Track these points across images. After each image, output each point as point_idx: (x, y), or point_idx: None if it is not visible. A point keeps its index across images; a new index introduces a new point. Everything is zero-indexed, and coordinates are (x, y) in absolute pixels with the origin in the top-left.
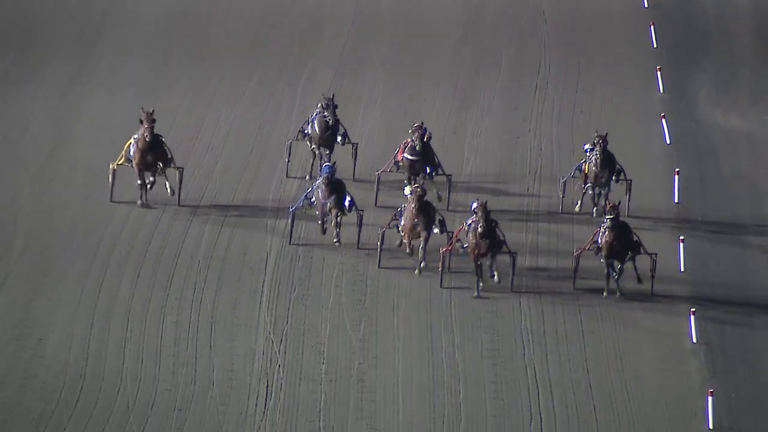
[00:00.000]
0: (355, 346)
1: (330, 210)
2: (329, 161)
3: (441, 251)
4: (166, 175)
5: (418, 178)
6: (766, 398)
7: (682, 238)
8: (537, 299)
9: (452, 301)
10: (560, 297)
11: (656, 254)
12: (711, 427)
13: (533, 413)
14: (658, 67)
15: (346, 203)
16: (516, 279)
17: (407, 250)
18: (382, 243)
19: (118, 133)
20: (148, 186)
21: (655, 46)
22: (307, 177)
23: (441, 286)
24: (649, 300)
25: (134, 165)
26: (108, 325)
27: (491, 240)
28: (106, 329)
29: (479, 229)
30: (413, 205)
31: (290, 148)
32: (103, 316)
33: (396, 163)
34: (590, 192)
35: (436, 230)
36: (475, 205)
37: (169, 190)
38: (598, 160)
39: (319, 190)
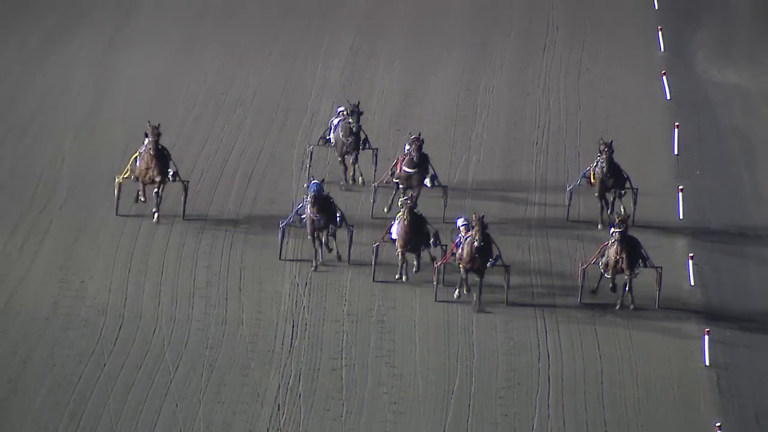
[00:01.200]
0: (375, 290)
1: (320, 228)
2: (316, 179)
3: (435, 264)
4: (161, 191)
5: (413, 191)
6: None
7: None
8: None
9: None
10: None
11: (661, 267)
12: None
13: (541, 348)
14: (659, 27)
15: (337, 219)
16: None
17: (402, 264)
18: (376, 257)
19: (154, 89)
20: (155, 207)
21: (656, 7)
22: (342, 184)
23: (435, 300)
24: (656, 311)
25: (138, 179)
26: (145, 269)
27: (483, 253)
28: (143, 272)
29: (475, 243)
30: (405, 218)
31: (312, 153)
32: (140, 261)
33: (393, 174)
34: (596, 196)
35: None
36: (461, 220)
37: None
38: (603, 168)
39: (308, 207)
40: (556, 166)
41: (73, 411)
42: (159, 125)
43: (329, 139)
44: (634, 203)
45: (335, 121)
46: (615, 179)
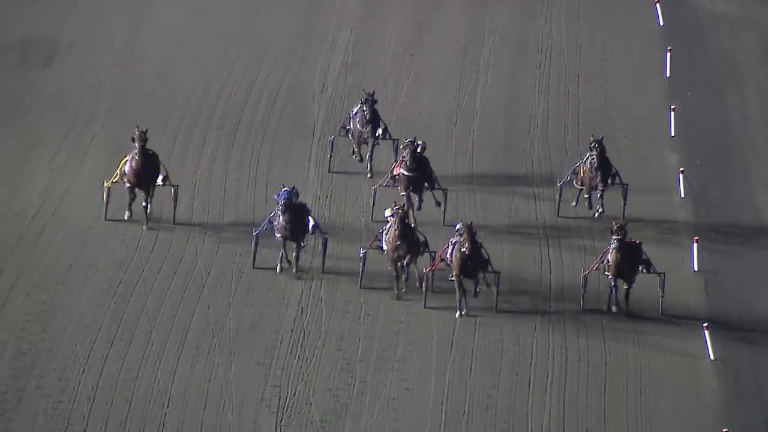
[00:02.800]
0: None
1: (292, 237)
2: (287, 186)
3: (424, 271)
4: (151, 195)
5: (411, 194)
6: None
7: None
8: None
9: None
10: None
11: (664, 273)
12: None
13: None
14: None
15: (310, 227)
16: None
17: (393, 273)
18: (364, 264)
19: (188, 16)
20: (146, 209)
21: None
22: (354, 156)
23: (425, 307)
24: (659, 315)
25: (126, 182)
26: (179, 179)
27: (475, 261)
28: (179, 182)
29: (465, 250)
30: (395, 227)
31: (333, 143)
32: (176, 170)
33: (393, 177)
34: (585, 196)
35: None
36: (459, 225)
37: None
38: (593, 165)
39: (279, 215)
40: (558, 90)
41: (114, 312)
42: (146, 130)
43: (349, 128)
44: (624, 198)
45: (354, 111)
46: (604, 176)
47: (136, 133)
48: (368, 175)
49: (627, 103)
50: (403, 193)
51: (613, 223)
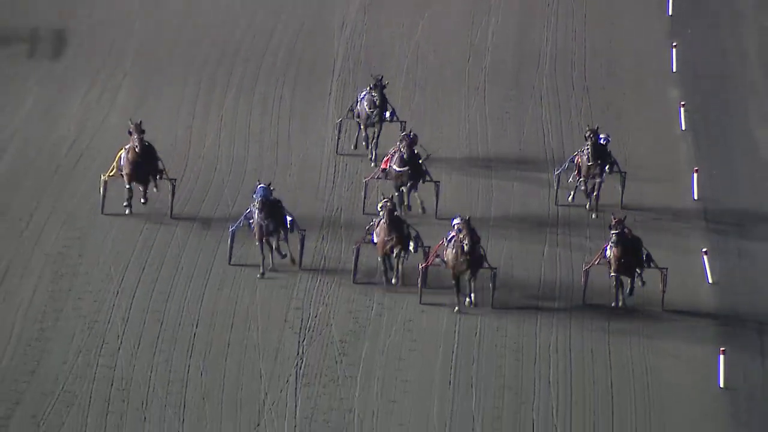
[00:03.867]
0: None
1: (269, 234)
2: (263, 183)
3: (420, 267)
4: (156, 185)
5: (404, 189)
6: None
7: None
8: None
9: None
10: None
11: (666, 269)
12: None
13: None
14: None
15: (288, 223)
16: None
17: (382, 267)
18: (357, 258)
19: None
20: (142, 201)
21: None
22: (353, 147)
23: (420, 302)
24: (663, 311)
25: (124, 175)
26: (206, 116)
27: (473, 257)
28: (205, 119)
29: (465, 247)
30: (384, 221)
31: (340, 125)
32: (201, 110)
33: (383, 170)
34: (582, 186)
35: (411, 246)
36: (456, 220)
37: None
38: (589, 154)
39: (256, 213)
40: (565, 29)
41: (145, 238)
42: (141, 122)
43: (355, 111)
44: (622, 186)
45: (361, 94)
46: (602, 165)
47: (132, 125)
48: (371, 162)
49: (631, 41)
50: (396, 193)
51: (612, 217)
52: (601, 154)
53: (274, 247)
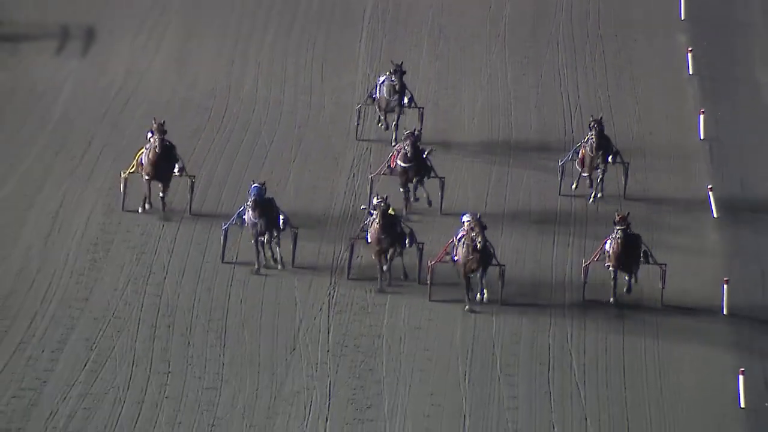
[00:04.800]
0: (431, 77)
1: (262, 232)
2: (257, 183)
3: (429, 263)
4: (164, 186)
5: (410, 185)
6: None
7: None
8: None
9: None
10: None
11: (665, 264)
12: None
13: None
14: None
15: (281, 222)
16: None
17: (377, 266)
18: (351, 254)
19: None
20: (161, 195)
21: None
22: (380, 125)
23: (429, 300)
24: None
25: (144, 174)
26: (245, 59)
27: (483, 254)
28: (245, 61)
29: (477, 245)
30: (378, 220)
31: (360, 111)
32: (241, 54)
33: (389, 167)
34: (584, 175)
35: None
36: (466, 217)
37: (190, 200)
38: (593, 145)
39: (249, 211)
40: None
41: (189, 171)
42: (164, 122)
43: (375, 97)
44: (625, 177)
45: (381, 80)
46: (604, 155)
47: (154, 125)
48: (393, 144)
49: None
50: (402, 189)
51: (616, 213)
52: (604, 145)
53: (268, 245)
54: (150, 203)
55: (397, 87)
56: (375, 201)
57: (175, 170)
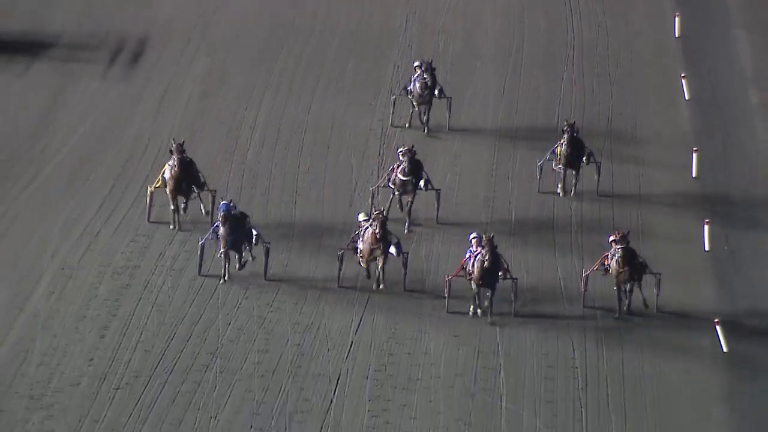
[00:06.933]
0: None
1: (231, 247)
2: (226, 200)
3: (446, 278)
4: (200, 198)
5: (408, 196)
6: None
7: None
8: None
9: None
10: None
11: (660, 273)
12: None
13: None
14: None
15: (253, 237)
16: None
17: (366, 274)
18: (341, 264)
19: None
20: (181, 209)
21: None
22: (407, 125)
23: (447, 311)
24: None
25: (167, 191)
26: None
27: (495, 272)
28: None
29: (485, 263)
30: (376, 232)
31: (395, 102)
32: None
33: (389, 179)
34: (561, 173)
35: (392, 250)
36: (473, 236)
37: (203, 212)
38: (566, 146)
39: (220, 226)
40: None
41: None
42: (183, 142)
43: (409, 90)
44: (598, 175)
45: (414, 76)
46: (578, 156)
47: (174, 145)
48: (425, 131)
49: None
50: (398, 197)
51: (616, 232)
52: (577, 147)
53: (237, 259)
54: (178, 222)
55: (429, 83)
56: (362, 217)
57: (200, 184)
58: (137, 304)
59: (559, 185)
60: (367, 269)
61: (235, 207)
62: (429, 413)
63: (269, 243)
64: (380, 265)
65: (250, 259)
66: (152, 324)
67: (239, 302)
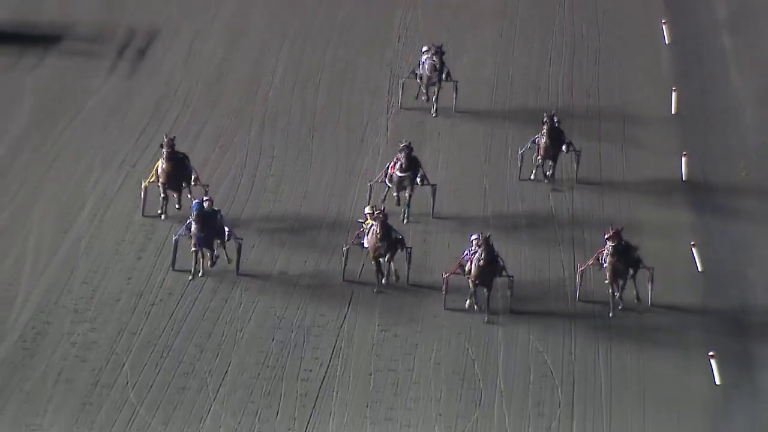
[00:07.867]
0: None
1: (204, 244)
2: (203, 198)
3: (444, 276)
4: (190, 191)
5: (406, 191)
6: None
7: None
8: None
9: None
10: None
11: (653, 268)
12: None
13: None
14: None
15: (225, 234)
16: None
17: (375, 269)
18: (346, 259)
19: None
20: (177, 207)
21: None
22: (418, 97)
23: (444, 308)
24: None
25: (159, 184)
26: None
27: (492, 271)
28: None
29: (481, 261)
30: (377, 229)
31: (403, 85)
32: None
33: (386, 174)
34: (540, 162)
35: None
36: (474, 236)
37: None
38: (545, 136)
39: (193, 224)
40: None
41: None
42: (174, 137)
43: (417, 73)
44: (577, 163)
45: (423, 59)
46: (558, 146)
47: (165, 140)
48: (433, 114)
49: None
50: (395, 194)
51: (610, 228)
52: (556, 137)
53: (210, 255)
54: (166, 212)
55: (437, 66)
56: (367, 210)
57: (191, 179)
58: (170, 230)
59: (534, 171)
60: (376, 265)
61: (212, 202)
62: (433, 327)
63: (241, 239)
64: (387, 261)
65: (224, 253)
66: (186, 247)
67: (262, 228)
